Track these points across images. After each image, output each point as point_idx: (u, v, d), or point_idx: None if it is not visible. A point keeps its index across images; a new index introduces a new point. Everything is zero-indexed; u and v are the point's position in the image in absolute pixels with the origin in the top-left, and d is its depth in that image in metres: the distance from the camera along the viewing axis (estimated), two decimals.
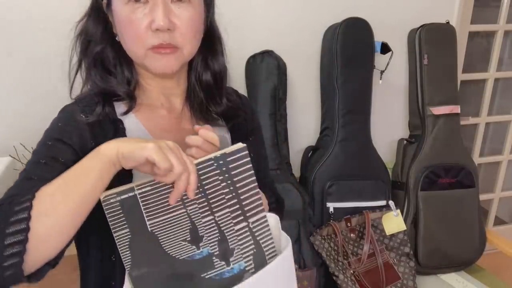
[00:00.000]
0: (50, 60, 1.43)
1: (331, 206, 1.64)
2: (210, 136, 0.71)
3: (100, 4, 0.77)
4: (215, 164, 0.64)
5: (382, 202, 1.69)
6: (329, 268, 1.50)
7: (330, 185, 1.64)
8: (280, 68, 1.62)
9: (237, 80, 1.60)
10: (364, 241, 1.57)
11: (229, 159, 0.64)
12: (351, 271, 1.53)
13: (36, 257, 0.58)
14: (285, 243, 0.72)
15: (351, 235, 1.60)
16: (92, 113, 0.74)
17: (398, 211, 1.64)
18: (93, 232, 0.73)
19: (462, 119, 1.82)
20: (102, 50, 0.78)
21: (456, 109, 1.77)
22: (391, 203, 1.65)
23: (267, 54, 1.63)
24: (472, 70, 2.10)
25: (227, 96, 0.87)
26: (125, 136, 0.77)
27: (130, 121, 0.79)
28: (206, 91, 0.84)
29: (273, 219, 0.71)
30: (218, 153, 0.65)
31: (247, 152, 0.65)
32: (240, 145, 0.65)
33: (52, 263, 0.62)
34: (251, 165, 0.65)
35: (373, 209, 1.64)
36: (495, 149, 2.38)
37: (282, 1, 1.65)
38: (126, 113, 0.78)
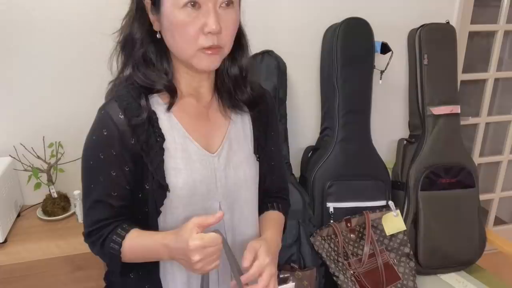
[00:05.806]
0: (51, 61, 1.43)
1: (331, 206, 1.64)
2: None
3: (143, 5, 0.83)
4: None
5: (382, 202, 1.69)
6: (329, 269, 1.50)
7: (330, 185, 1.64)
8: (280, 68, 1.62)
9: None
10: (365, 241, 1.57)
11: None
12: (351, 272, 1.53)
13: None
14: None
15: (351, 235, 1.60)
16: (134, 111, 0.83)
17: (398, 211, 1.64)
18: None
19: (462, 119, 1.81)
20: (146, 50, 0.86)
21: (456, 109, 1.77)
22: (390, 203, 1.65)
23: (267, 54, 1.63)
24: (472, 70, 2.10)
25: (251, 86, 0.95)
26: (158, 125, 0.86)
27: (162, 111, 0.88)
28: (234, 81, 0.93)
29: None
30: None
31: None
32: None
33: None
34: None
35: (373, 209, 1.64)
36: (495, 149, 2.38)
37: (282, 1, 1.65)
38: (169, 108, 0.87)
